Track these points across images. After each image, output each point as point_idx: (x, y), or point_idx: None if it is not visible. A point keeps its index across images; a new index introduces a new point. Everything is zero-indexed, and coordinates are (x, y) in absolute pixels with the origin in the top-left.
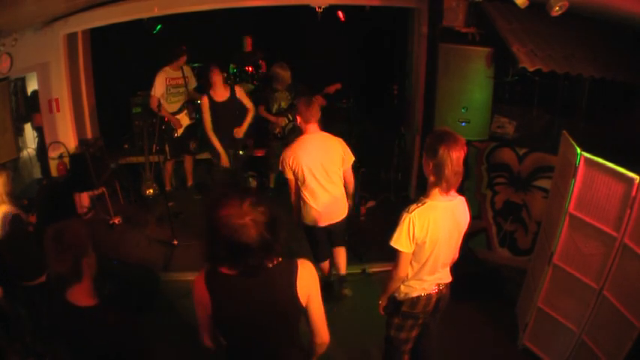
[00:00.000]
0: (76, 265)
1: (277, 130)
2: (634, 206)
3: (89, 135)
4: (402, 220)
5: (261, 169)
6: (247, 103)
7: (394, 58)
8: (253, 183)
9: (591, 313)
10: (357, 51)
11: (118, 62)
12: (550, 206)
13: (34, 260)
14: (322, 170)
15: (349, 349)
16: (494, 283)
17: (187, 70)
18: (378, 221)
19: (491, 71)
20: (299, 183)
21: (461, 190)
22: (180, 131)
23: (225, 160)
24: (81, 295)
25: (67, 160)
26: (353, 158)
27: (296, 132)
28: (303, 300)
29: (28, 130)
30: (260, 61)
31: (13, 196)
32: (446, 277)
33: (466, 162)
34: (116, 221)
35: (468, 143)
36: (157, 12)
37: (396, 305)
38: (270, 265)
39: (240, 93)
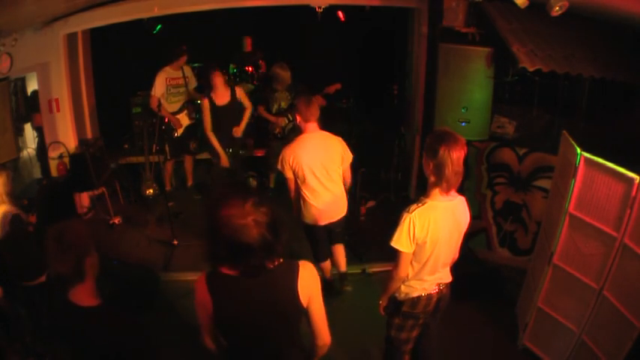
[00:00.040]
0: (78, 266)
1: (277, 130)
2: (634, 206)
3: (89, 135)
4: (403, 220)
5: (261, 169)
6: (245, 102)
7: (394, 58)
8: (253, 183)
9: (591, 313)
10: (357, 51)
11: (118, 62)
12: (550, 206)
13: (34, 260)
14: (322, 169)
15: (349, 349)
16: (494, 283)
17: (187, 70)
18: (378, 221)
19: (491, 71)
20: (299, 182)
21: (461, 190)
22: (180, 131)
23: (224, 161)
24: (83, 296)
25: (67, 160)
26: (352, 157)
27: (296, 132)
28: (304, 301)
29: (28, 130)
30: (260, 61)
31: (13, 196)
32: (446, 277)
33: (466, 162)
34: (116, 221)
35: (468, 143)
36: (156, 12)
37: (397, 305)
38: (271, 266)
39: (240, 94)
